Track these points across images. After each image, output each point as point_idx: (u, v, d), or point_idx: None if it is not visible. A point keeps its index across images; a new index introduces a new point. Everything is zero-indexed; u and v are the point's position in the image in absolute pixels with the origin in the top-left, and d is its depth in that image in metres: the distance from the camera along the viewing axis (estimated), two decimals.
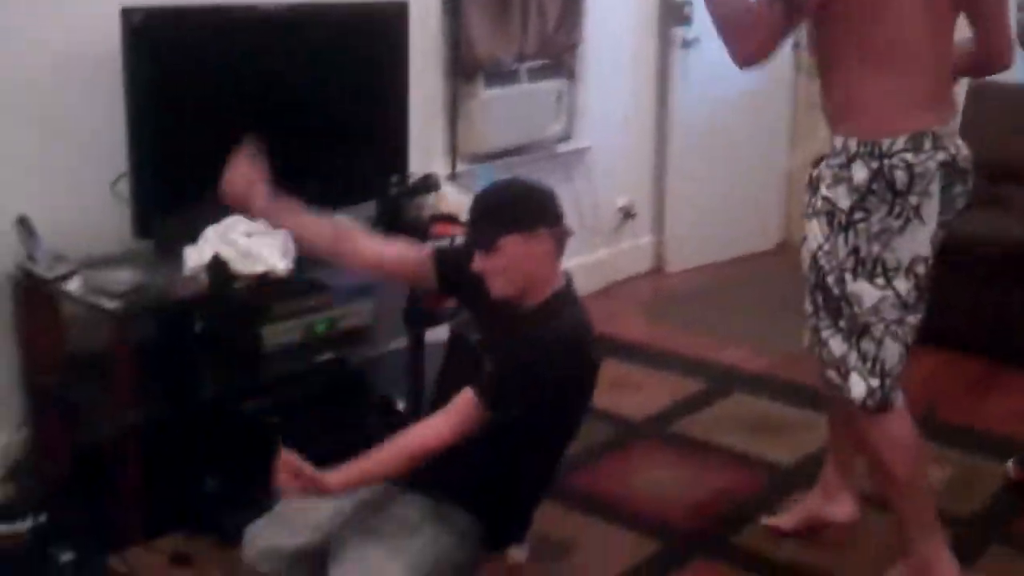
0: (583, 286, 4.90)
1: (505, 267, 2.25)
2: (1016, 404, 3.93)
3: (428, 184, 3.68)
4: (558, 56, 4.59)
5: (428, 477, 2.41)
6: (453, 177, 4.15)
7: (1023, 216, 4.46)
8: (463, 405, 2.22)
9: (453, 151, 4.24)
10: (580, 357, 2.31)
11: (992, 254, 4.23)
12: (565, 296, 2.34)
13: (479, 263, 2.28)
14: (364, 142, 3.56)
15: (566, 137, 4.77)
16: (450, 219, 3.58)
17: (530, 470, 2.43)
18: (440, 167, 4.14)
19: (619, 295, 5.13)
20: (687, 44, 5.13)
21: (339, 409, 3.21)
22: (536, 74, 4.51)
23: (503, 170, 4.28)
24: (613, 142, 5.06)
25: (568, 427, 2.42)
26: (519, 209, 2.28)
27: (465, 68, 4.20)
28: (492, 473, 2.37)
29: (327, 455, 2.24)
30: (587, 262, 4.97)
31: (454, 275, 2.43)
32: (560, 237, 2.31)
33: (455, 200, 3.64)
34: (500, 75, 4.35)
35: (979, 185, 4.63)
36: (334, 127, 3.42)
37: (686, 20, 5.10)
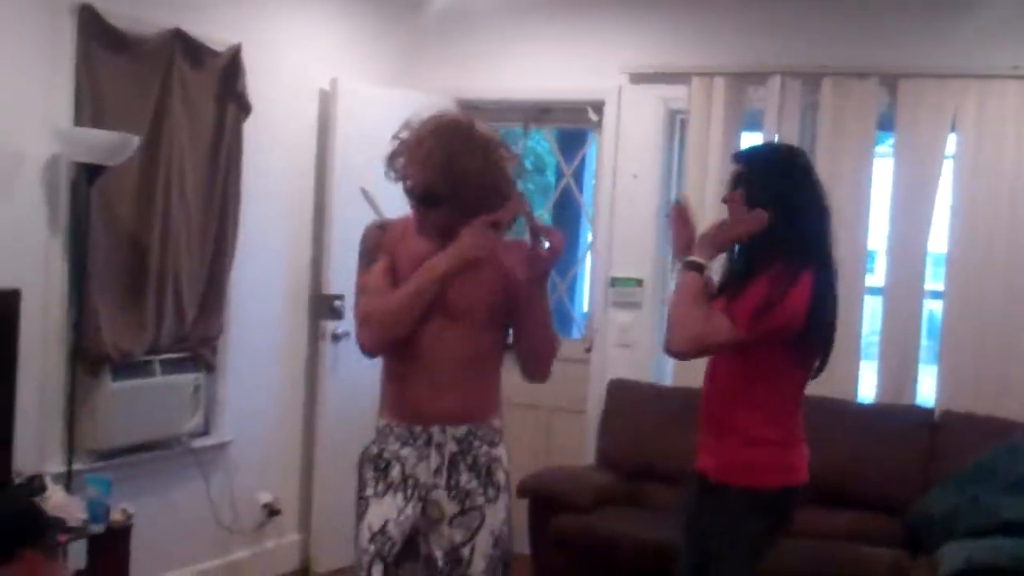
0: None
1: None
2: None
3: (32, 487, 3.37)
4: (195, 349, 4.43)
5: None
6: (70, 476, 3.82)
7: (661, 515, 4.50)
8: None
9: (70, 448, 3.91)
10: None
11: (630, 553, 4.22)
12: None
13: None
14: None
15: (203, 432, 4.57)
16: None
17: None
18: (57, 465, 3.83)
19: None
20: (336, 338, 5.11)
21: None
22: (171, 367, 4.32)
23: (130, 469, 4.03)
24: (257, 436, 4.89)
25: None
26: None
27: (90, 359, 3.95)
28: None
29: None
30: (224, 564, 4.67)
31: None
32: (46, 550, 2.44)
33: (61, 503, 3.35)
34: (130, 367, 4.12)
35: (618, 483, 4.76)
36: None
37: (336, 314, 5.09)
